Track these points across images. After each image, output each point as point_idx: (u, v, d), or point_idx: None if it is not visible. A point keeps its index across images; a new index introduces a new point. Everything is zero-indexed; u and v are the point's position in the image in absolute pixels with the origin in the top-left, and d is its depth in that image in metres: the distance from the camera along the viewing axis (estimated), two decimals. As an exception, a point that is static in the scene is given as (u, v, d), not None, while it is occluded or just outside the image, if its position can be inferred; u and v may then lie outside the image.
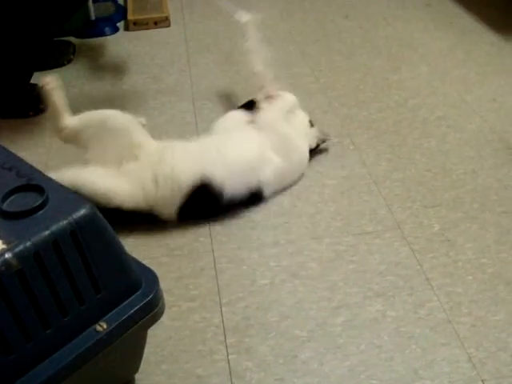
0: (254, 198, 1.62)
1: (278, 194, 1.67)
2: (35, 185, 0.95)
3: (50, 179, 1.00)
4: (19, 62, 1.99)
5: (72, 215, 0.91)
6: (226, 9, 1.80)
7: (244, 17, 1.91)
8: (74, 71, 2.33)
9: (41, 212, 0.91)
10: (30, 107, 2.05)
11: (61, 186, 1.00)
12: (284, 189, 1.69)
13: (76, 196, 0.97)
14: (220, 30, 2.66)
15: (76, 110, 2.06)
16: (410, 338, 1.29)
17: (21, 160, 1.06)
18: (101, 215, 0.95)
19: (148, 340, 1.12)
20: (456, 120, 2.01)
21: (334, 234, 1.55)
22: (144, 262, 1.35)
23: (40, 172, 1.02)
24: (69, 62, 2.40)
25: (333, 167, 1.78)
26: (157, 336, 1.21)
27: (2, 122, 2.00)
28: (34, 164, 1.65)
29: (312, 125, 1.81)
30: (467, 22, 2.73)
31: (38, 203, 0.91)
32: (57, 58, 2.35)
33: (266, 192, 1.63)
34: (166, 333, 1.28)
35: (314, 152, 1.79)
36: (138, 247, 1.49)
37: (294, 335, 1.30)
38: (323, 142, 1.81)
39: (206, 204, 1.56)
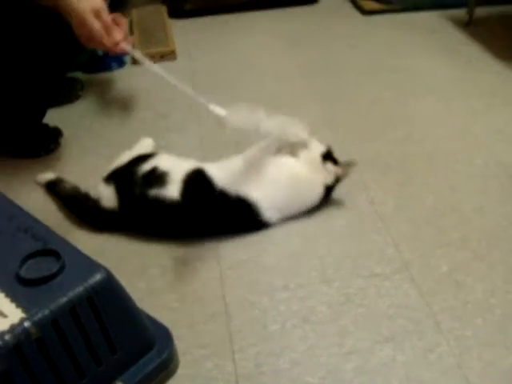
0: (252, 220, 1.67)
1: (286, 236, 1.68)
2: (51, 250, 0.97)
3: (65, 242, 1.02)
4: (32, 101, 2.02)
5: (88, 281, 0.93)
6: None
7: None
8: (83, 108, 2.36)
9: (58, 278, 0.93)
10: (42, 147, 2.08)
11: (75, 249, 1.02)
12: (291, 228, 1.70)
13: (91, 260, 0.99)
14: (226, 63, 2.69)
15: (86, 147, 2.10)
16: (420, 383, 1.30)
17: (36, 221, 1.08)
18: (115, 278, 0.97)
19: (162, 391, 1.13)
20: (463, 153, 2.03)
21: (344, 277, 1.56)
22: (156, 309, 1.39)
23: (55, 234, 1.04)
24: (77, 98, 2.43)
25: (341, 206, 1.79)
26: (170, 384, 1.22)
27: (14, 162, 2.03)
28: (46, 205, 1.70)
29: (329, 158, 1.78)
30: (473, 51, 2.76)
31: (55, 270, 0.93)
32: (66, 95, 2.38)
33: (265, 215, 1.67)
34: (179, 381, 1.29)
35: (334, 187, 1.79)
36: (149, 293, 1.50)
37: (305, 382, 1.31)
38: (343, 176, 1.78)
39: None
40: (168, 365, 1.05)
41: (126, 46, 1.69)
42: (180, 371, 1.19)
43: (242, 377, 1.32)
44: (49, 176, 1.85)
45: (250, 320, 1.45)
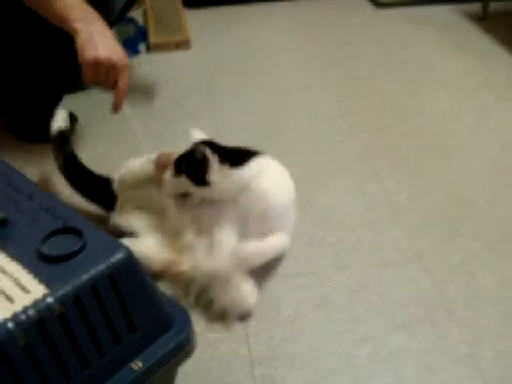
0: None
1: (299, 223, 1.69)
2: (73, 228, 0.98)
3: (86, 221, 1.03)
4: (49, 86, 2.02)
5: (110, 259, 0.94)
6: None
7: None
8: (97, 95, 2.36)
9: (80, 256, 0.94)
10: None
11: (96, 228, 1.03)
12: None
13: (112, 239, 1.00)
14: (241, 52, 2.69)
15: (100, 135, 2.11)
16: (432, 371, 1.31)
17: (56, 200, 1.09)
18: (136, 257, 0.98)
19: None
20: (476, 147, 2.03)
21: (357, 265, 1.57)
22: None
23: (75, 213, 1.05)
24: (92, 85, 2.42)
25: (354, 195, 1.80)
26: (185, 367, 1.22)
27: (29, 147, 2.04)
28: (61, 190, 1.71)
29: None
30: (486, 44, 2.76)
31: (76, 247, 0.94)
32: (80, 82, 2.38)
33: None
34: (194, 364, 1.30)
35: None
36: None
37: (318, 367, 1.32)
38: None
39: None
40: (185, 346, 1.06)
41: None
42: (195, 354, 1.20)
43: (255, 360, 1.33)
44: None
45: (263, 305, 1.46)
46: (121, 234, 1.52)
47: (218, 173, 1.41)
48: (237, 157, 1.46)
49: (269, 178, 1.47)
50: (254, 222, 1.45)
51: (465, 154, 2.00)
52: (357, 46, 2.76)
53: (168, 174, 1.46)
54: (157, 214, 1.55)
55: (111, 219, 1.57)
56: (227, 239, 1.44)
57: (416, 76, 2.50)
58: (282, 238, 1.48)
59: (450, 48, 2.72)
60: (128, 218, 1.56)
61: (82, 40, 1.50)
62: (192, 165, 1.42)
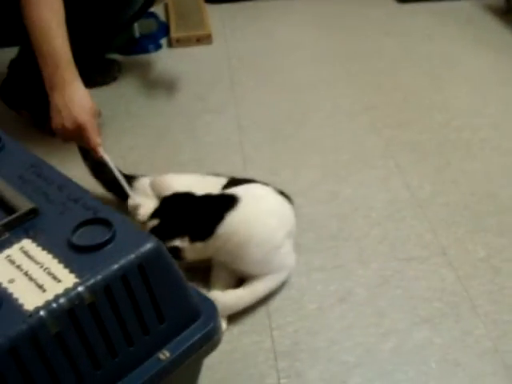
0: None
1: (324, 217, 1.69)
2: (103, 218, 0.99)
3: (116, 212, 1.04)
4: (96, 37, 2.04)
5: (139, 249, 0.94)
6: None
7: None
8: (120, 89, 2.37)
9: (109, 246, 0.95)
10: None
11: (125, 218, 1.03)
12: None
13: (141, 230, 1.01)
14: (262, 47, 2.69)
15: (123, 128, 2.12)
16: (457, 365, 1.31)
17: (86, 192, 1.10)
18: (164, 248, 0.99)
19: (201, 364, 1.15)
20: (499, 142, 2.02)
21: (381, 259, 1.57)
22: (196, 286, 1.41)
23: (105, 204, 1.06)
24: (114, 80, 2.44)
25: (377, 190, 1.80)
26: (209, 359, 1.23)
27: (52, 140, 2.02)
28: (84, 183, 1.71)
29: None
30: (509, 38, 2.73)
31: (106, 237, 0.95)
32: (103, 77, 2.39)
33: None
34: (218, 356, 1.30)
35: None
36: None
37: (342, 360, 1.32)
38: None
39: None
40: (212, 337, 1.06)
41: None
42: (219, 346, 1.21)
43: (280, 353, 1.34)
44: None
45: (287, 299, 1.47)
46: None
47: (190, 250, 1.42)
48: (203, 225, 1.42)
49: (245, 228, 1.42)
50: (239, 267, 1.45)
51: (488, 148, 1.99)
52: (379, 40, 2.75)
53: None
54: None
55: None
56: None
57: (439, 71, 2.49)
58: (267, 282, 1.46)
59: (473, 42, 2.71)
60: None
61: (50, 110, 1.57)
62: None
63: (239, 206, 1.41)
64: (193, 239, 1.40)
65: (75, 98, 1.55)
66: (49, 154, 1.90)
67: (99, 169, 1.70)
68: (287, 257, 1.50)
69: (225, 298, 1.40)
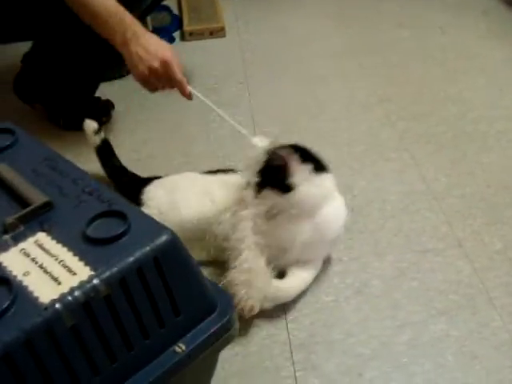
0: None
1: (339, 209, 1.68)
2: (117, 211, 0.99)
3: (130, 204, 1.04)
4: (86, 73, 2.03)
5: (154, 242, 0.94)
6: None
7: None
8: (133, 83, 2.36)
9: (124, 238, 0.94)
10: (94, 119, 2.10)
11: (140, 211, 1.03)
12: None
13: (156, 222, 1.00)
14: (275, 40, 2.68)
15: (137, 121, 2.12)
16: (474, 358, 1.30)
17: (100, 184, 1.09)
18: (180, 240, 0.98)
19: (217, 356, 1.15)
20: (515, 134, 2.01)
21: (397, 251, 1.56)
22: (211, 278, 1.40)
23: (120, 196, 1.06)
24: (128, 73, 2.43)
25: (392, 182, 1.79)
26: (224, 352, 1.23)
27: (66, 134, 2.05)
28: (99, 177, 1.72)
29: None
30: (525, 32, 2.71)
31: (121, 230, 0.94)
32: (117, 70, 2.39)
33: None
34: (233, 349, 1.31)
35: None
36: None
37: (358, 353, 1.32)
38: None
39: None
40: (228, 329, 1.05)
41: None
42: (235, 339, 1.21)
43: (295, 346, 1.33)
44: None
45: (303, 292, 1.46)
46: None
47: (300, 174, 1.35)
48: (317, 162, 1.40)
49: (339, 201, 1.46)
50: (316, 246, 1.43)
51: (504, 140, 1.97)
52: (392, 32, 2.73)
53: (249, 197, 1.39)
54: None
55: None
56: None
57: (453, 63, 2.47)
58: (311, 269, 1.47)
59: (488, 34, 2.68)
60: None
61: (127, 61, 1.59)
62: (272, 172, 1.36)
63: None
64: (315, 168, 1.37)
65: (154, 42, 1.56)
66: (63, 149, 1.89)
67: (118, 172, 1.73)
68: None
69: (285, 284, 1.41)
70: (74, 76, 2.01)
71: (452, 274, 1.50)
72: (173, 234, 0.96)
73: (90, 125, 1.69)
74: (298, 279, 1.44)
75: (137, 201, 1.53)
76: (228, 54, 2.59)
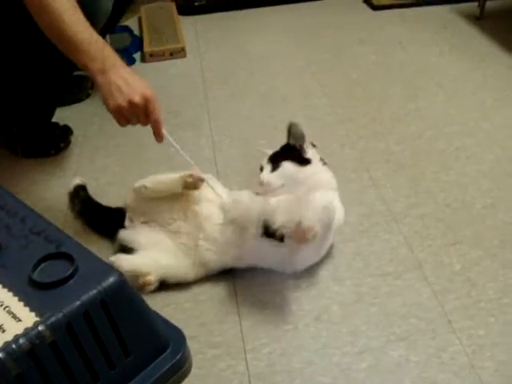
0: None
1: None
2: (64, 253, 0.97)
3: (78, 244, 1.03)
4: (42, 99, 2.01)
5: (101, 284, 0.93)
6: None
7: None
8: (93, 107, 2.35)
9: (71, 281, 0.94)
10: (52, 146, 2.08)
11: (88, 251, 1.02)
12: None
13: (103, 263, 0.99)
14: (236, 59, 2.69)
15: (97, 147, 2.10)
16: (433, 383, 1.30)
17: (49, 223, 1.08)
18: (128, 281, 0.97)
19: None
20: (474, 151, 2.02)
21: (355, 276, 1.56)
22: (168, 307, 1.39)
23: (68, 237, 1.05)
24: (87, 96, 2.42)
25: (352, 204, 1.78)
26: (183, 385, 1.22)
27: (24, 161, 2.03)
28: (58, 205, 1.70)
29: None
30: (483, 45, 2.74)
31: (68, 273, 0.93)
32: (75, 94, 2.38)
33: None
34: (191, 382, 1.29)
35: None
36: (161, 292, 1.51)
37: (318, 382, 1.31)
38: None
39: None
40: (182, 366, 1.05)
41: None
42: (193, 371, 1.19)
43: (254, 377, 1.32)
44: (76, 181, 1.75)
45: (262, 319, 1.45)
46: (124, 249, 1.55)
47: (312, 154, 1.60)
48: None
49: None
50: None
51: (463, 158, 1.99)
52: (353, 49, 2.75)
53: (266, 173, 1.56)
54: (163, 230, 1.59)
55: (118, 235, 1.59)
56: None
57: (413, 79, 2.49)
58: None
59: (447, 49, 2.71)
60: (133, 233, 1.59)
61: (102, 90, 1.51)
62: (292, 149, 1.59)
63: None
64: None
65: (135, 77, 1.52)
66: (20, 177, 1.90)
67: (87, 208, 1.71)
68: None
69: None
70: (30, 101, 1.99)
71: (411, 297, 1.49)
72: (120, 275, 0.95)
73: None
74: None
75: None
76: (188, 75, 2.58)
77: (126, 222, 1.61)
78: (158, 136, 1.55)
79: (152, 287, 1.49)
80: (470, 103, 2.31)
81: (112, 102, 1.49)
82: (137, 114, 1.50)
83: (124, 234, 1.59)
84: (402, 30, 2.93)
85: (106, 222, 1.68)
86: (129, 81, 1.49)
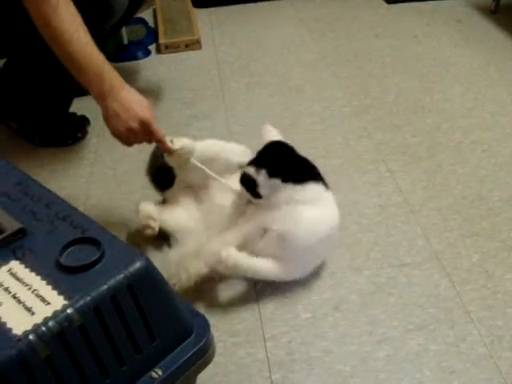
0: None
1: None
2: (91, 238, 0.98)
3: (103, 229, 1.03)
4: (59, 90, 2.02)
5: (128, 269, 0.93)
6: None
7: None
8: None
9: (98, 266, 0.94)
10: (69, 136, 2.09)
11: (114, 237, 1.02)
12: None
13: (130, 248, 1.00)
14: (251, 51, 2.69)
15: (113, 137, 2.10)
16: (451, 373, 1.30)
17: (74, 209, 1.09)
18: (154, 266, 0.98)
19: (196, 377, 1.14)
20: (490, 144, 2.02)
21: (374, 266, 1.56)
22: (187, 296, 1.40)
23: (93, 222, 1.05)
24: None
25: (369, 195, 1.79)
26: (203, 372, 1.22)
27: (42, 151, 2.04)
28: (76, 193, 1.71)
29: None
30: (499, 38, 2.75)
31: (95, 257, 0.94)
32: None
33: None
34: (212, 369, 1.29)
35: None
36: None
37: (337, 370, 1.32)
38: None
39: None
40: (205, 353, 1.06)
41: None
42: (213, 359, 1.20)
43: (274, 365, 1.33)
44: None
45: (281, 308, 1.46)
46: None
47: (267, 187, 1.46)
48: (293, 173, 1.48)
49: (311, 213, 1.47)
50: (272, 243, 1.45)
51: (479, 151, 1.99)
52: (368, 42, 2.75)
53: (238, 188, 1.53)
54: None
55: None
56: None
57: (428, 72, 2.49)
58: (281, 268, 1.46)
59: (462, 43, 2.71)
60: (172, 192, 1.69)
61: (103, 115, 1.53)
62: (245, 183, 1.49)
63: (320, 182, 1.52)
64: (284, 180, 1.46)
65: (132, 99, 1.52)
66: (39, 166, 1.91)
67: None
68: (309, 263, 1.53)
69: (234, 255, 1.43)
70: (47, 92, 2.00)
71: (429, 287, 1.50)
72: (147, 259, 0.96)
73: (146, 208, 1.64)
74: (265, 264, 1.45)
75: None
76: (203, 67, 2.59)
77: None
78: (168, 152, 1.55)
79: (151, 232, 1.55)
80: (486, 97, 2.31)
81: (111, 128, 1.52)
82: (137, 138, 1.52)
83: (168, 191, 1.70)
84: (416, 23, 2.93)
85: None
86: (126, 106, 1.49)
